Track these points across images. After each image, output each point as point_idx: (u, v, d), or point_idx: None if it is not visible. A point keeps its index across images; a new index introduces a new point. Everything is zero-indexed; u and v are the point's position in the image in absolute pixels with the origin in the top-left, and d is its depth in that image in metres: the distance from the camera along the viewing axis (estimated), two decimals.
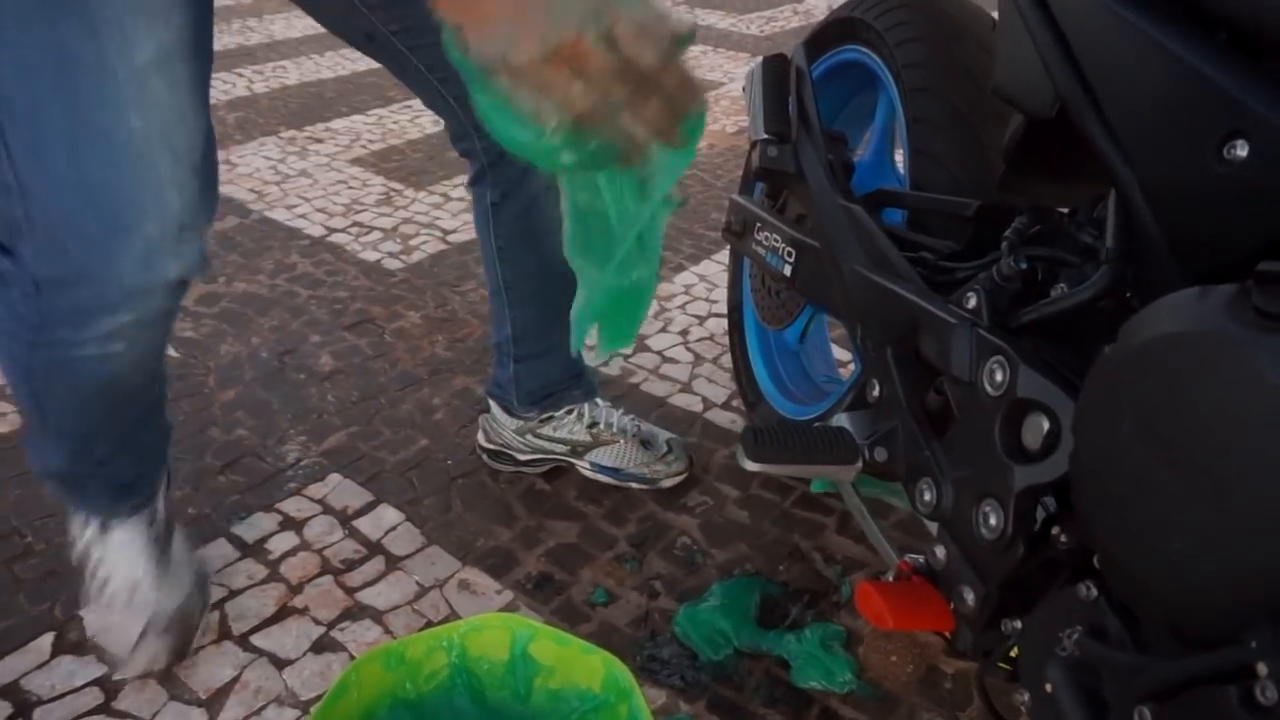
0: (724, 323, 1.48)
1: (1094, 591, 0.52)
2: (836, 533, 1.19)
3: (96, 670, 0.97)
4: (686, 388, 1.51)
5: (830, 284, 0.91)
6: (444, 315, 1.70)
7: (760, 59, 1.01)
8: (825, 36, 1.17)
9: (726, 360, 1.52)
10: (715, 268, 1.90)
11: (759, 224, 1.11)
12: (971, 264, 0.77)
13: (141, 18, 0.65)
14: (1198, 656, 0.42)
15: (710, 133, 2.81)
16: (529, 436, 1.25)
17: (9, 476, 1.24)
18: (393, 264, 1.88)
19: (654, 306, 1.76)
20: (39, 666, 0.98)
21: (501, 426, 1.26)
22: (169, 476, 1.05)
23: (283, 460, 1.30)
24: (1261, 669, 0.38)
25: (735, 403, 1.46)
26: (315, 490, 1.25)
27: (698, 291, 1.82)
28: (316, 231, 2.00)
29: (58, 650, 0.99)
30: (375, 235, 2.00)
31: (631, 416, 1.28)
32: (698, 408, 1.46)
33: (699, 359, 1.60)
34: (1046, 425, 0.57)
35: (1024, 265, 0.65)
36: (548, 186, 1.06)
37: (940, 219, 0.87)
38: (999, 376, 0.61)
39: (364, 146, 2.50)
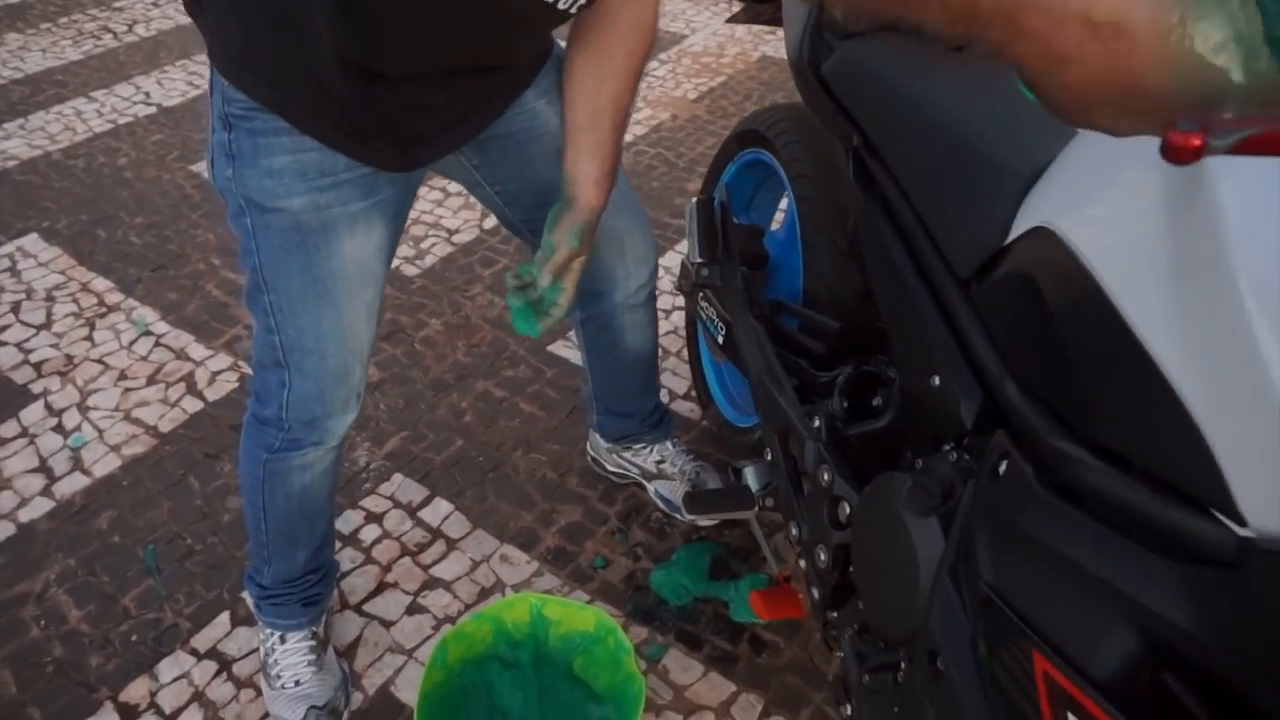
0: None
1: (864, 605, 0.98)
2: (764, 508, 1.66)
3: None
4: None
5: (746, 365, 1.33)
6: (459, 321, 2.10)
7: (694, 200, 1.39)
8: (743, 140, 1.54)
9: (686, 354, 1.93)
10: (679, 257, 2.27)
11: (702, 293, 1.51)
12: (831, 373, 1.20)
13: (361, 289, 1.10)
14: (887, 653, 0.89)
15: (670, 100, 3.09)
16: (615, 456, 1.67)
17: (160, 489, 1.68)
18: (410, 270, 2.26)
19: None
20: (225, 636, 1.45)
21: (598, 443, 1.68)
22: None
23: (357, 464, 1.74)
24: (903, 664, 0.84)
25: (694, 394, 1.89)
26: (385, 489, 1.70)
27: (664, 285, 2.21)
28: None
29: (235, 623, 1.47)
30: None
31: (695, 462, 1.63)
32: (664, 399, 1.89)
33: (665, 353, 2.01)
34: (848, 510, 1.02)
35: (846, 404, 1.08)
36: (627, 305, 1.40)
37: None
38: (826, 477, 1.05)
39: None
